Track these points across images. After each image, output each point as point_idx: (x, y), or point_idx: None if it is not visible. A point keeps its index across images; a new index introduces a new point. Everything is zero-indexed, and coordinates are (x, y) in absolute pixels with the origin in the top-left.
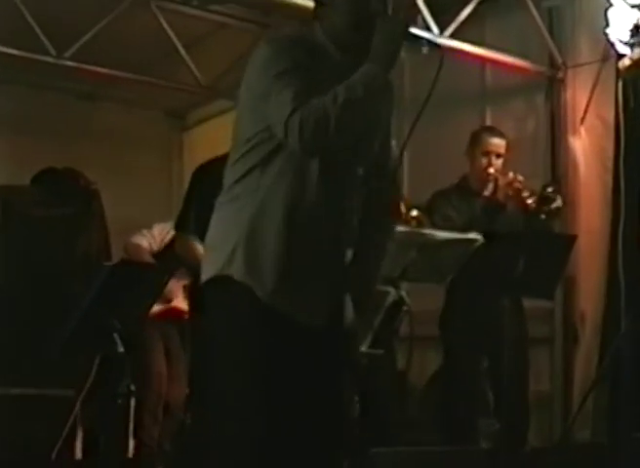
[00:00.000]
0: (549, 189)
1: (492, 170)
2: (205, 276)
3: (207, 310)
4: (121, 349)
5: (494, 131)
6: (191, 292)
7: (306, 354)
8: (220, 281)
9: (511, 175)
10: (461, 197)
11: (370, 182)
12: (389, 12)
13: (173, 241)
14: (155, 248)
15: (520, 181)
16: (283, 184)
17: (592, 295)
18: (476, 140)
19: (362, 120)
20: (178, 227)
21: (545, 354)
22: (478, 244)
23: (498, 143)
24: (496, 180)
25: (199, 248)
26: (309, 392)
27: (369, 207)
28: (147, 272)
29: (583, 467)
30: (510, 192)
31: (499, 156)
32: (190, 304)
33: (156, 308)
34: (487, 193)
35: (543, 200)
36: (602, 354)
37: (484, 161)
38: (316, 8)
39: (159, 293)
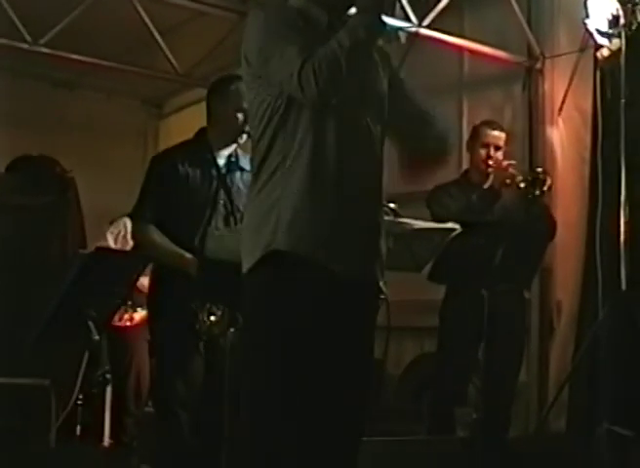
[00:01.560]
0: (539, 170)
1: (491, 161)
2: (251, 260)
3: (262, 290)
4: (96, 337)
5: (493, 124)
6: (152, 276)
7: (346, 311)
8: (267, 259)
9: (505, 161)
10: (461, 189)
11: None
12: None
13: None
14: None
15: (513, 165)
16: (309, 145)
17: (568, 286)
18: (476, 133)
19: (366, 62)
20: (135, 215)
21: None
22: (455, 233)
23: (497, 136)
24: (495, 172)
25: (157, 235)
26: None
27: None
28: (123, 260)
29: (559, 456)
30: (508, 180)
31: (498, 148)
32: (150, 287)
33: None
34: (487, 186)
35: (534, 182)
36: (578, 344)
37: (483, 153)
38: None
39: (135, 281)
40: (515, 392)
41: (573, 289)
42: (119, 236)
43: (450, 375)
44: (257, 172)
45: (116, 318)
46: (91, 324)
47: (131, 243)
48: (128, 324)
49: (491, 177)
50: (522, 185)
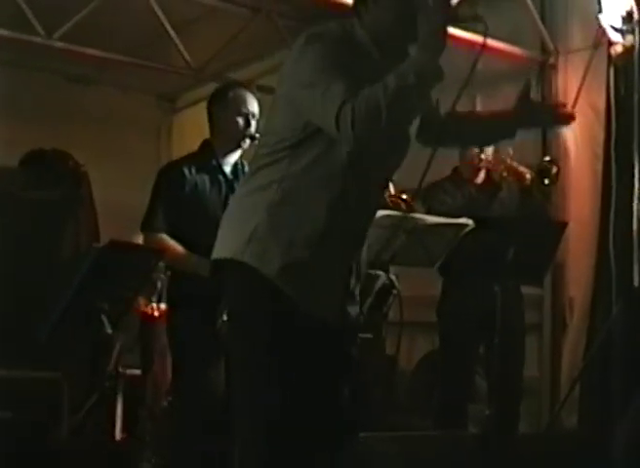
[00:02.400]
0: (546, 159)
1: (483, 156)
2: (219, 254)
3: (223, 291)
4: (109, 331)
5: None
6: (168, 287)
7: (314, 340)
8: (234, 264)
9: (502, 152)
10: (455, 186)
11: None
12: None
13: None
14: None
15: (512, 157)
16: (311, 177)
17: (581, 283)
18: None
19: (414, 108)
20: (145, 226)
21: (534, 340)
22: (468, 229)
23: None
24: (487, 167)
25: (171, 244)
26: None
27: None
28: (136, 254)
29: (571, 453)
30: (505, 172)
31: None
32: (168, 296)
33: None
34: (479, 181)
35: (541, 171)
36: (590, 340)
37: (475, 148)
38: (356, 5)
39: (148, 276)
40: (522, 388)
41: (585, 285)
42: None
43: (456, 371)
44: (255, 169)
45: (147, 308)
46: (104, 317)
47: None
48: (156, 314)
49: (482, 172)
50: (528, 177)
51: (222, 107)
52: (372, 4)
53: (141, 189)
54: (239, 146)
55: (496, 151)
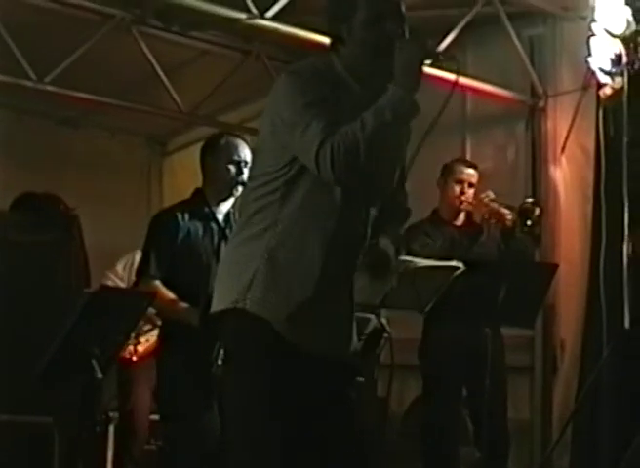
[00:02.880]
0: (528, 200)
1: (464, 198)
2: (218, 307)
3: (221, 340)
4: (99, 376)
5: (466, 161)
6: (161, 331)
7: (315, 384)
8: (235, 313)
9: (483, 195)
10: (435, 227)
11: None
12: (407, 35)
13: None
14: (125, 284)
15: (494, 200)
16: (304, 217)
17: (572, 324)
18: (449, 170)
19: (392, 145)
20: (140, 272)
21: (525, 382)
22: (459, 272)
23: (471, 173)
24: (468, 209)
25: (164, 291)
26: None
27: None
28: (127, 299)
29: None
30: (487, 215)
31: (471, 186)
32: (160, 341)
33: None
34: (459, 223)
35: (523, 212)
36: (581, 382)
37: (457, 189)
38: (332, 40)
39: (139, 320)
40: (508, 430)
41: (576, 327)
42: (127, 265)
43: (444, 414)
44: (250, 215)
45: (125, 351)
46: (94, 362)
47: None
48: (134, 358)
49: (462, 214)
50: (510, 218)
51: (214, 156)
52: (348, 39)
53: (132, 232)
54: (231, 194)
55: (476, 194)
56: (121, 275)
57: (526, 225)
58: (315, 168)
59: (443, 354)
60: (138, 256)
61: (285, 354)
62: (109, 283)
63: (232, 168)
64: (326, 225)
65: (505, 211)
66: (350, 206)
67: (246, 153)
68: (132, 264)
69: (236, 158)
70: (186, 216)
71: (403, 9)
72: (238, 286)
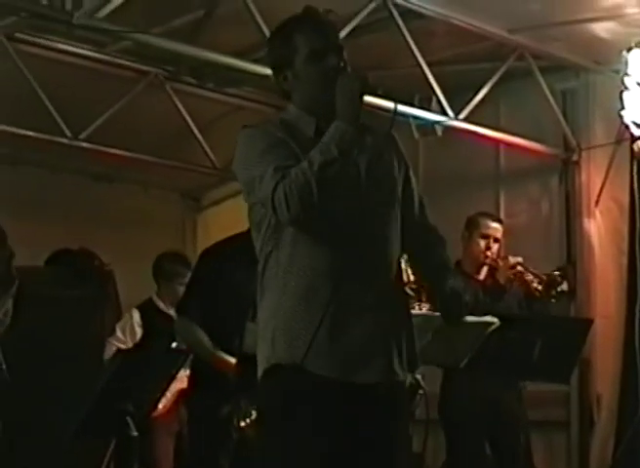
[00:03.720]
0: (557, 272)
1: (489, 253)
2: (260, 369)
3: (267, 401)
4: (134, 433)
5: (492, 215)
6: (192, 372)
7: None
8: (272, 371)
9: (511, 258)
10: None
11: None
12: (347, 68)
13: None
14: (130, 345)
15: (521, 264)
16: (297, 264)
17: (608, 379)
18: (474, 224)
19: (344, 175)
20: (179, 310)
21: (562, 438)
22: (494, 326)
23: (496, 227)
24: (492, 265)
25: (198, 333)
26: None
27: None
28: (161, 357)
29: None
30: (512, 276)
31: (496, 240)
32: (190, 381)
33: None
34: (481, 277)
35: (550, 283)
36: (618, 438)
37: (482, 244)
38: (281, 87)
39: (174, 377)
40: None
41: (613, 381)
42: (126, 328)
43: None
44: (260, 278)
45: None
46: (129, 419)
47: (139, 333)
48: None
49: (485, 268)
50: (535, 285)
51: None
52: (293, 80)
53: None
54: None
55: (501, 250)
56: (123, 340)
57: (551, 297)
58: (273, 213)
59: (462, 408)
60: (136, 315)
61: (325, 398)
62: (110, 349)
63: None
64: (325, 256)
65: (530, 277)
66: (350, 227)
67: None
68: (131, 326)
69: None
70: (233, 262)
71: (340, 43)
72: (265, 345)
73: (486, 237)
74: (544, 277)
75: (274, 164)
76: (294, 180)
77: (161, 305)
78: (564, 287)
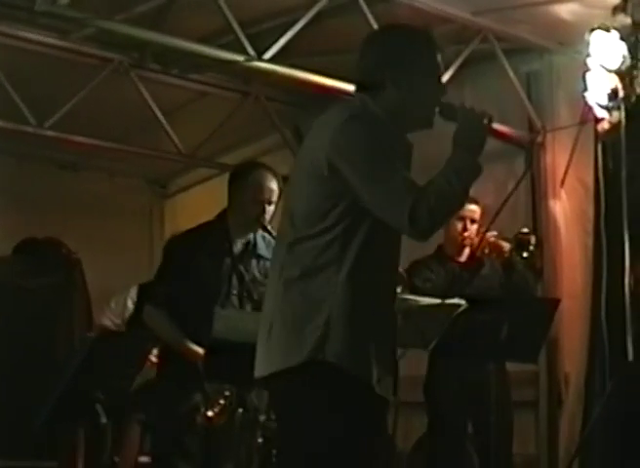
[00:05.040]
0: (523, 230)
1: (467, 234)
2: (287, 363)
3: (297, 398)
4: (104, 420)
5: (468, 197)
6: (159, 360)
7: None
8: (313, 367)
9: (488, 234)
10: (439, 263)
11: None
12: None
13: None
14: (118, 321)
15: (493, 235)
16: (369, 255)
17: (575, 358)
18: None
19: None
20: (147, 298)
21: (531, 417)
22: (462, 309)
23: (472, 209)
24: (471, 245)
25: (166, 321)
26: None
27: None
28: (129, 341)
29: None
30: (487, 249)
31: (473, 222)
32: (158, 370)
33: None
34: (462, 259)
35: (520, 242)
36: (586, 416)
37: (459, 226)
38: (367, 84)
39: (143, 362)
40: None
41: (580, 360)
42: (120, 300)
43: (451, 451)
44: (294, 262)
45: None
46: (98, 406)
47: (130, 308)
48: None
49: (466, 250)
50: (506, 249)
51: (241, 189)
52: (397, 83)
53: (134, 274)
54: (254, 232)
55: (479, 230)
56: (114, 310)
57: (522, 257)
58: (407, 225)
59: (447, 390)
60: (133, 291)
61: (368, 398)
62: (104, 318)
63: (256, 208)
64: (375, 262)
65: (503, 243)
66: (392, 240)
67: (271, 192)
68: (124, 300)
69: (261, 197)
70: (202, 251)
71: None
72: (309, 336)
73: (462, 219)
74: (514, 239)
75: (401, 175)
76: (438, 198)
77: None
78: (533, 241)
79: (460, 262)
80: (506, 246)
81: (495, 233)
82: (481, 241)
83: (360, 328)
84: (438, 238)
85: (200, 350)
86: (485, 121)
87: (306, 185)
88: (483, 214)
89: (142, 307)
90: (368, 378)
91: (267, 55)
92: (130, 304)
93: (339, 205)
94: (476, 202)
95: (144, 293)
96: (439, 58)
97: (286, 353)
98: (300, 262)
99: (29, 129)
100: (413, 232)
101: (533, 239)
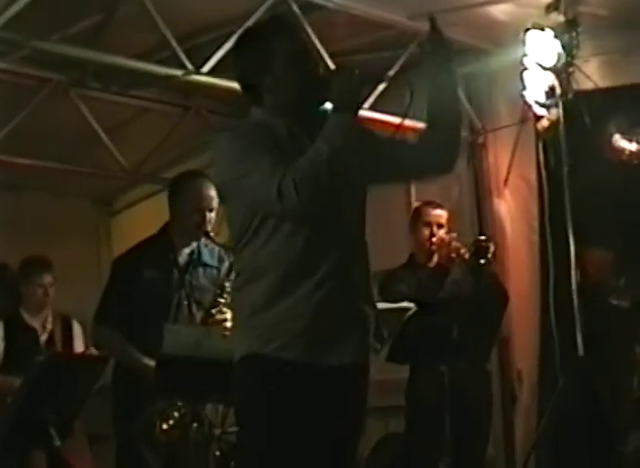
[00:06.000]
0: (482, 238)
1: (434, 239)
2: (237, 354)
3: (242, 385)
4: (57, 443)
5: (433, 203)
6: (114, 375)
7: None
8: (251, 358)
9: (447, 236)
10: (409, 272)
11: None
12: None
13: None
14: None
15: (457, 239)
16: (276, 258)
17: (527, 354)
18: (417, 213)
19: (348, 166)
20: (97, 319)
21: None
22: (410, 312)
23: (438, 214)
24: (440, 249)
25: (119, 340)
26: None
27: None
28: (80, 364)
29: None
30: (454, 254)
31: (440, 226)
32: (112, 383)
33: None
34: (432, 265)
35: (477, 249)
36: (540, 411)
37: (426, 232)
38: (250, 91)
39: (95, 383)
40: (484, 464)
41: (531, 357)
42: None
43: (420, 455)
44: (241, 268)
45: None
46: (51, 429)
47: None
48: None
49: (435, 256)
50: (467, 256)
51: (181, 199)
52: (272, 85)
53: (84, 294)
54: (197, 240)
55: (447, 233)
56: None
57: (480, 263)
58: (278, 203)
59: (416, 396)
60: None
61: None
62: None
63: (196, 217)
64: (301, 253)
65: (462, 248)
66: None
67: (210, 199)
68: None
69: (199, 206)
70: (147, 265)
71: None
72: (249, 334)
73: (428, 224)
74: (473, 245)
75: (270, 159)
76: (302, 170)
77: (24, 316)
78: (492, 249)
79: (430, 268)
80: (464, 251)
81: (454, 236)
82: (446, 246)
83: (281, 323)
84: (411, 247)
85: (150, 364)
86: (355, 79)
87: (227, 205)
88: (450, 218)
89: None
90: (305, 359)
91: (205, 68)
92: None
93: (246, 216)
94: (441, 207)
95: (95, 315)
96: (298, 38)
97: (238, 346)
98: (242, 267)
99: None
100: (284, 207)
101: (492, 247)
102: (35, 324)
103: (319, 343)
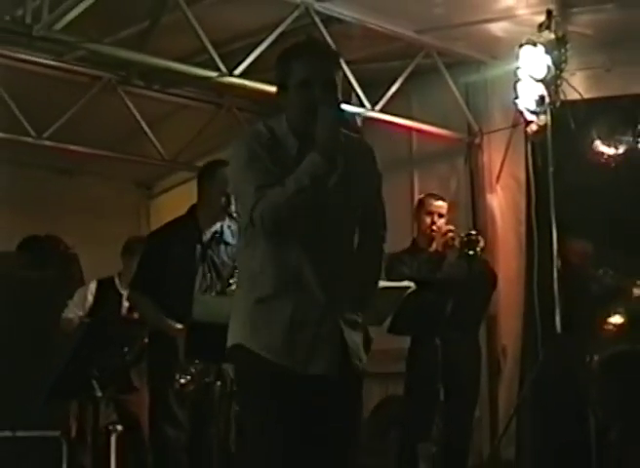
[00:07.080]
0: (473, 232)
1: (435, 227)
2: (229, 341)
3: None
4: (99, 394)
5: (435, 195)
6: (148, 339)
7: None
8: (235, 349)
9: (445, 226)
10: (411, 255)
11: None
12: (337, 100)
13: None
14: (82, 313)
15: (453, 231)
16: (268, 262)
17: (512, 332)
18: (421, 204)
19: (315, 201)
20: (132, 285)
21: None
22: (410, 290)
23: (439, 205)
24: (440, 236)
25: (149, 304)
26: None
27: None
28: (122, 327)
29: None
30: (450, 242)
31: (441, 216)
32: (147, 346)
33: None
34: (432, 249)
35: (468, 242)
36: (522, 382)
37: (428, 220)
38: (280, 99)
39: (136, 343)
40: (472, 428)
41: (515, 334)
42: (81, 293)
43: (416, 417)
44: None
45: None
46: (94, 382)
47: (89, 300)
48: None
49: (434, 242)
50: (457, 245)
51: (209, 184)
52: (286, 102)
53: None
54: (219, 221)
55: (446, 222)
56: (76, 302)
57: (469, 254)
58: (251, 225)
59: (416, 364)
60: (92, 285)
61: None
62: (69, 314)
63: (223, 200)
64: (292, 259)
65: (458, 240)
66: (315, 231)
67: None
68: (84, 292)
69: (225, 191)
70: (175, 240)
71: (334, 76)
72: (235, 326)
73: (430, 214)
74: (465, 238)
75: (255, 183)
76: (269, 203)
77: (117, 282)
78: (481, 244)
79: (430, 253)
80: (457, 241)
81: (452, 227)
82: (444, 235)
83: (264, 324)
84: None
85: (180, 327)
86: (337, 121)
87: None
88: (450, 208)
89: (107, 298)
90: (287, 363)
91: (237, 71)
92: (90, 297)
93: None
94: (443, 199)
95: (130, 281)
96: (306, 63)
97: (229, 336)
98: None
99: (30, 139)
100: (256, 229)
101: (482, 242)
102: (121, 290)
103: (295, 353)
